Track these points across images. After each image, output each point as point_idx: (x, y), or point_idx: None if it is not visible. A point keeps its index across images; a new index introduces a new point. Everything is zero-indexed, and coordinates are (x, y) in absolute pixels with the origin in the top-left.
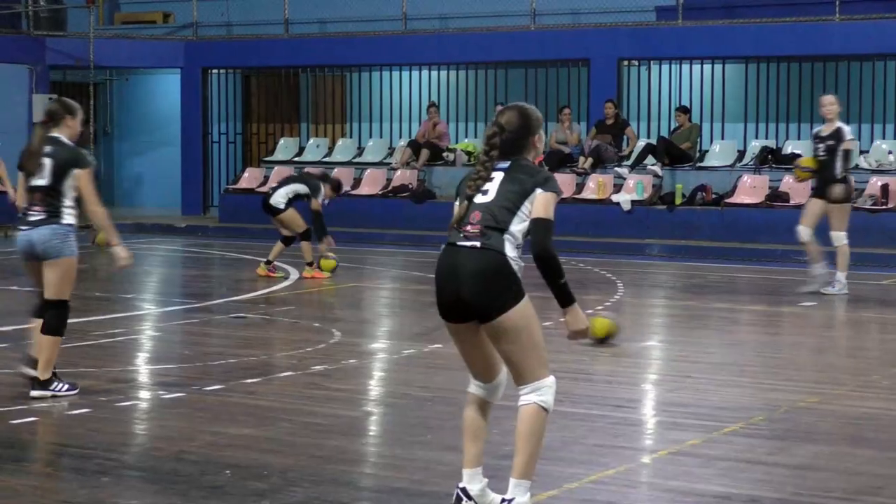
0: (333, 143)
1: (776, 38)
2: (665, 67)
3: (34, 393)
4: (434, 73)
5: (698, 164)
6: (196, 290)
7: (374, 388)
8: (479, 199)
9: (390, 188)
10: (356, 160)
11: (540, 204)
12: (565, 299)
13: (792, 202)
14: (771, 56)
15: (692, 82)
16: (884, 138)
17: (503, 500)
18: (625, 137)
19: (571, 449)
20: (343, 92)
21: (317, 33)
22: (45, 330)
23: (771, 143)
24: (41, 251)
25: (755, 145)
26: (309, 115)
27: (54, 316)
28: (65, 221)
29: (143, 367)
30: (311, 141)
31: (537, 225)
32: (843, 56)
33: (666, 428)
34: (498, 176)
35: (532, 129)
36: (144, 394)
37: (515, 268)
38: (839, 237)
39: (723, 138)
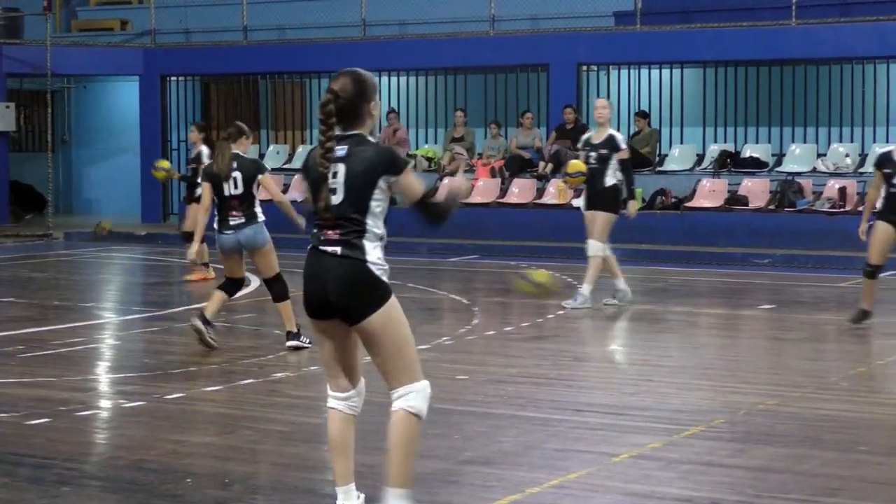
0: (294, 149)
1: (734, 42)
2: (624, 72)
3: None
4: (394, 79)
5: (658, 169)
6: (156, 298)
7: None
8: (331, 199)
9: None
10: None
11: (405, 188)
12: (447, 207)
13: (751, 205)
14: (729, 60)
15: (651, 87)
16: (840, 142)
17: None
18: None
19: (532, 454)
20: (303, 98)
21: (276, 40)
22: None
23: (730, 147)
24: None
25: (714, 149)
26: (269, 122)
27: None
28: None
29: (103, 376)
30: (272, 148)
31: (419, 209)
32: (801, 60)
33: (627, 431)
34: (340, 169)
35: (367, 96)
36: (105, 402)
37: (379, 272)
38: (596, 247)
39: (682, 143)
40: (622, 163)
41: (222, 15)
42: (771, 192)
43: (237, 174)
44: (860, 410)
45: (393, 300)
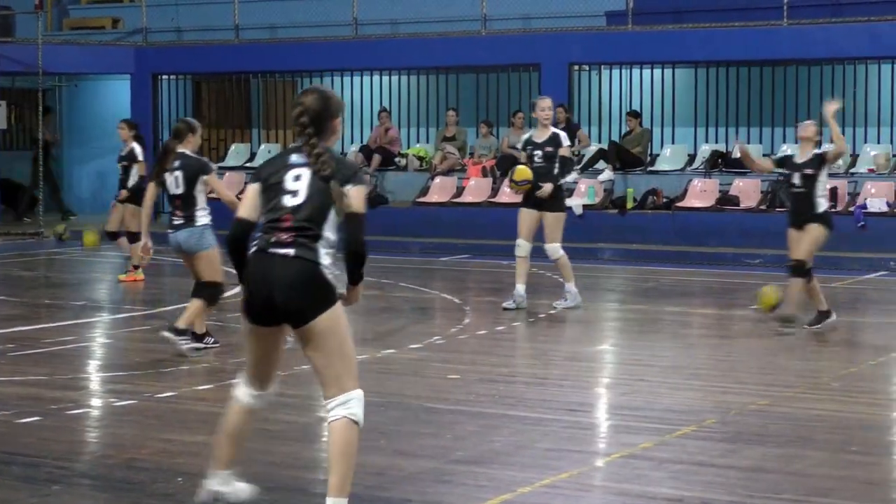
0: (285, 148)
1: (725, 42)
2: (615, 72)
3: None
4: (385, 79)
5: (649, 169)
6: (147, 296)
7: None
8: (288, 200)
9: None
10: None
11: (353, 199)
12: (358, 280)
13: (743, 206)
14: (720, 60)
15: (642, 87)
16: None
17: None
18: (577, 140)
19: (524, 453)
20: (294, 97)
21: (267, 39)
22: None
23: (721, 147)
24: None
25: (705, 149)
26: (260, 121)
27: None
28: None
29: (94, 375)
30: (263, 146)
31: (351, 220)
32: (792, 60)
33: (618, 431)
34: (304, 174)
35: (333, 112)
36: (95, 401)
37: (330, 277)
38: (555, 249)
39: (673, 142)
40: (562, 160)
41: (214, 14)
42: (762, 192)
43: (178, 173)
44: (852, 411)
45: (339, 306)
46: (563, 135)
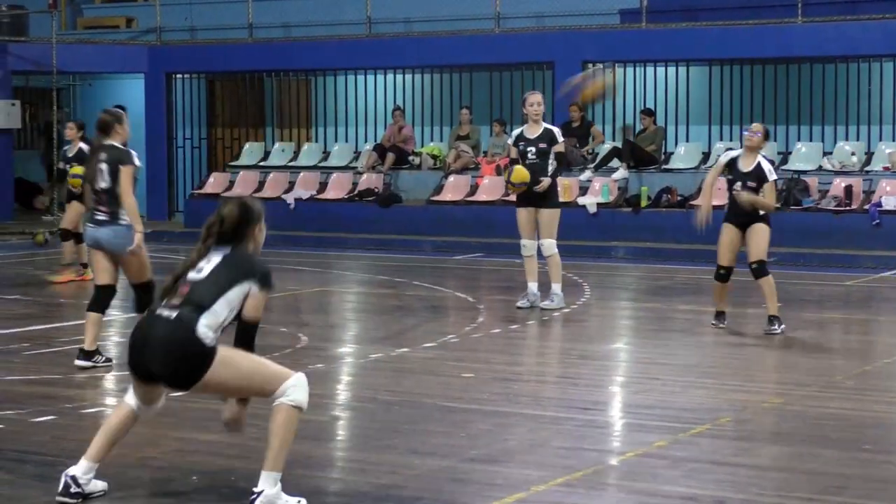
0: (299, 147)
1: (739, 40)
2: (629, 70)
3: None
4: (399, 77)
5: (663, 167)
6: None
7: (341, 392)
8: (192, 275)
9: (356, 192)
10: (322, 164)
11: (252, 304)
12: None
13: None
14: (734, 58)
15: (656, 85)
16: (846, 140)
17: (252, 493)
18: (591, 138)
19: (538, 452)
20: (308, 96)
21: (281, 38)
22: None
23: (735, 145)
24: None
25: (719, 147)
26: (274, 120)
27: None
28: None
29: (107, 374)
30: (277, 145)
31: (243, 327)
32: (806, 58)
33: (632, 430)
34: (216, 258)
35: (252, 220)
36: (110, 400)
37: (206, 342)
38: (550, 245)
39: (687, 140)
40: (558, 156)
41: (228, 12)
42: (777, 190)
43: (103, 166)
44: (865, 409)
45: (218, 354)
46: (556, 130)
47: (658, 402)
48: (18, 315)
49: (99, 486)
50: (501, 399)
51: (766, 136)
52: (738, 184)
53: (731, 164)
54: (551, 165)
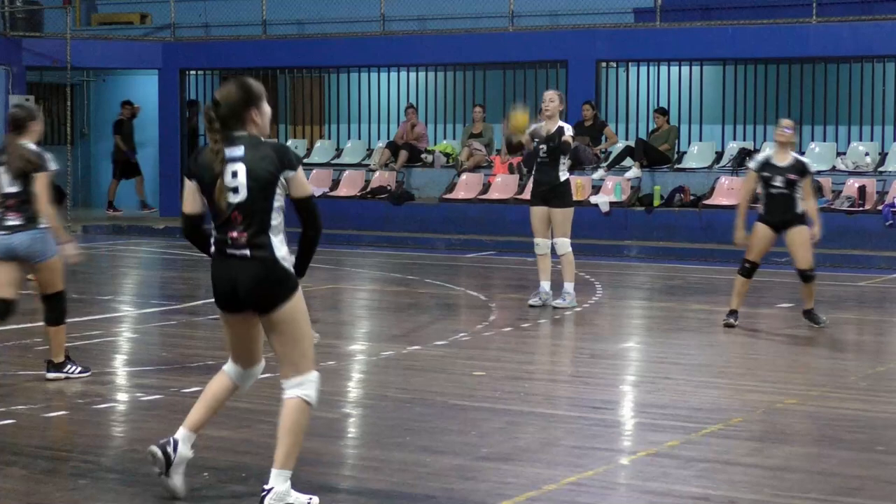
0: (312, 144)
1: (753, 40)
2: (643, 69)
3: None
4: (412, 75)
5: (676, 166)
6: (174, 291)
7: (353, 389)
8: (232, 198)
9: (369, 189)
10: (334, 161)
11: (298, 185)
12: (302, 273)
13: None
14: (748, 58)
15: (670, 84)
16: (860, 140)
17: (263, 489)
18: (604, 137)
19: (550, 450)
20: (321, 93)
21: (295, 34)
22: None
23: (748, 145)
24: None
25: (733, 147)
26: (287, 117)
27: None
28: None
29: (120, 370)
30: (289, 142)
31: (303, 205)
32: (820, 58)
33: (644, 429)
34: (240, 169)
35: (250, 101)
36: (122, 396)
37: (287, 266)
38: (564, 244)
39: (701, 140)
40: (563, 145)
41: (242, 9)
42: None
43: (12, 169)
44: (879, 410)
45: (299, 293)
46: (567, 126)
47: (670, 401)
48: (31, 311)
49: (184, 454)
50: (513, 398)
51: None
52: (779, 178)
53: (764, 165)
54: (563, 168)
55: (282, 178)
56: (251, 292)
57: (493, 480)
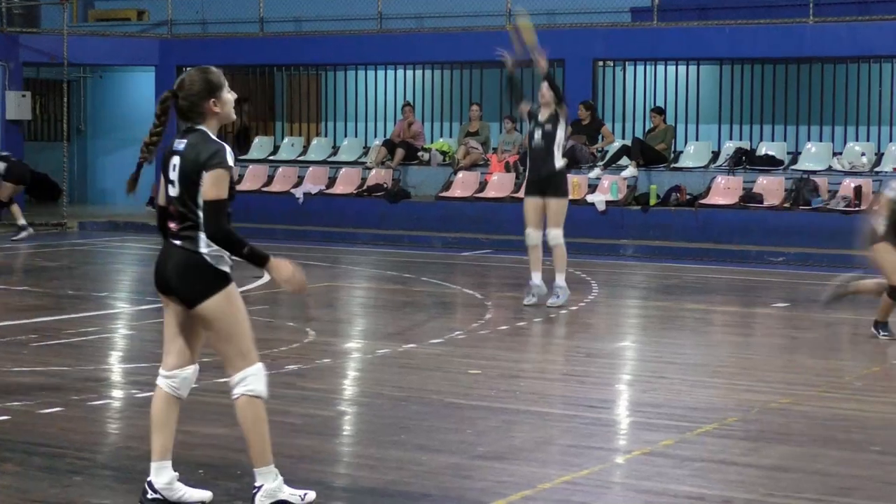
0: (308, 141)
1: (750, 39)
2: (640, 68)
3: None
4: (409, 73)
5: (673, 166)
6: None
7: (348, 387)
8: (171, 190)
9: (365, 187)
10: (331, 159)
11: (206, 185)
12: (259, 261)
13: (766, 203)
14: (745, 58)
15: (667, 83)
16: (857, 140)
17: (254, 487)
18: (600, 136)
19: (545, 449)
20: (318, 91)
21: (292, 32)
22: None
23: (745, 144)
24: None
25: (729, 146)
26: (284, 114)
27: None
28: None
29: (115, 366)
30: (286, 140)
31: (206, 207)
32: (817, 58)
33: (639, 428)
34: (177, 162)
35: (210, 92)
36: (117, 393)
37: (211, 261)
38: (556, 235)
39: (697, 139)
40: (560, 112)
41: (239, 6)
42: (786, 190)
43: None
44: (874, 410)
45: (229, 289)
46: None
47: (665, 400)
48: (27, 306)
49: (181, 489)
50: (508, 396)
51: None
52: None
53: None
54: (557, 155)
55: (202, 177)
56: (173, 279)
57: (488, 479)
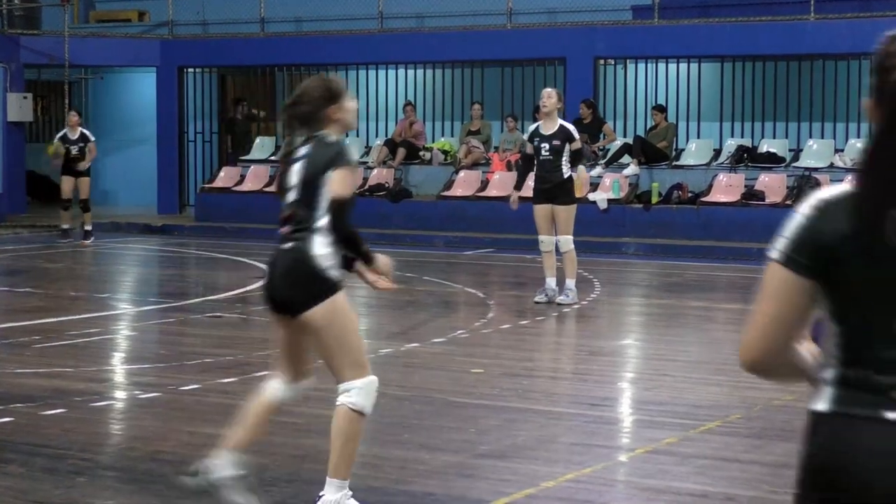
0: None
1: (752, 37)
2: (641, 66)
3: None
4: (410, 72)
5: (674, 163)
6: (172, 289)
7: None
8: (289, 195)
9: (367, 187)
10: None
11: (333, 182)
12: (369, 259)
13: (768, 200)
14: (746, 55)
15: (668, 81)
16: (858, 137)
17: (317, 497)
18: (602, 135)
19: (548, 447)
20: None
21: (293, 32)
22: None
23: (746, 142)
24: None
25: (731, 144)
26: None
27: None
28: None
29: (118, 367)
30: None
31: (331, 205)
32: (818, 55)
33: (642, 426)
34: (299, 167)
35: (330, 99)
36: (120, 394)
37: (323, 265)
38: (567, 241)
39: (699, 137)
40: (574, 153)
41: (240, 6)
42: (788, 187)
43: None
44: None
45: (338, 297)
46: (570, 127)
47: (668, 398)
48: (30, 308)
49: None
50: (511, 395)
51: None
52: None
53: None
54: (565, 165)
55: (325, 177)
56: (280, 285)
57: (491, 477)
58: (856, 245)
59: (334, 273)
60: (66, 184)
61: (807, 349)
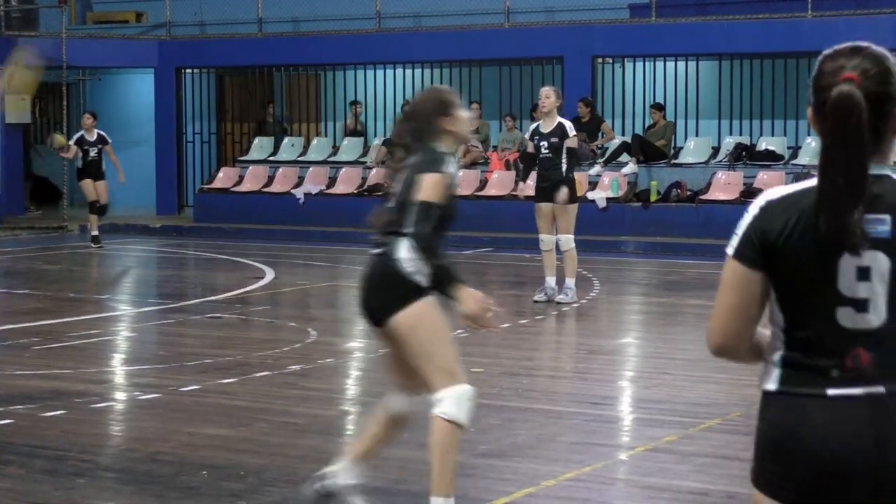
0: (308, 142)
1: (749, 34)
2: (639, 65)
3: None
4: (408, 72)
5: (673, 161)
6: (171, 290)
7: (351, 387)
8: (390, 202)
9: (365, 187)
10: (331, 159)
11: (422, 186)
12: (449, 280)
13: None
14: (744, 53)
15: (666, 79)
16: None
17: None
18: (600, 133)
19: (548, 446)
20: (317, 91)
21: (290, 32)
22: None
23: (745, 139)
24: None
25: (729, 142)
26: (283, 115)
27: None
28: None
29: (118, 368)
30: (286, 140)
31: (418, 207)
32: (816, 52)
33: (642, 425)
34: (403, 175)
35: (441, 111)
36: (120, 395)
37: (408, 269)
38: (567, 240)
39: (697, 135)
40: (569, 151)
41: (237, 7)
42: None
43: None
44: None
45: (424, 302)
46: (567, 124)
47: (668, 396)
48: (29, 310)
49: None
50: (511, 394)
51: None
52: None
53: None
54: (564, 164)
55: (417, 180)
56: (366, 292)
57: (491, 477)
58: (798, 241)
59: (419, 278)
60: (88, 187)
61: (765, 333)
